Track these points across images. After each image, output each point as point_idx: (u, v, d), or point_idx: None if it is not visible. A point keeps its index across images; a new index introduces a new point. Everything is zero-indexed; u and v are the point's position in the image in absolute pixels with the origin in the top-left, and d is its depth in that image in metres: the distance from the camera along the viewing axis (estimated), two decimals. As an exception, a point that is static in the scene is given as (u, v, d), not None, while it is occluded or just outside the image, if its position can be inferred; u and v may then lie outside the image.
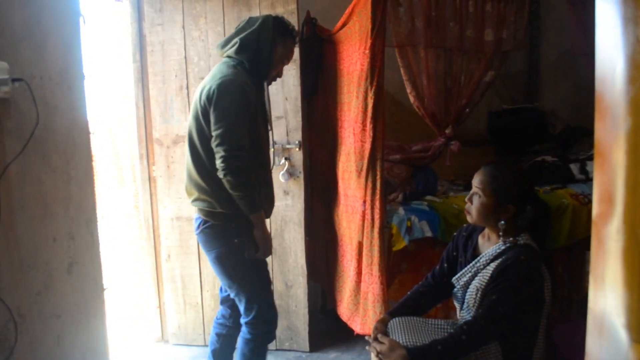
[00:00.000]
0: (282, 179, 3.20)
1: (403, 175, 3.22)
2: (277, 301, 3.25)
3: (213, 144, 2.31)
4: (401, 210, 3.02)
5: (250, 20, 2.47)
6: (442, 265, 2.20)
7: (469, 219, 2.06)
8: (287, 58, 2.56)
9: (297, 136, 3.21)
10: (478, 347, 1.88)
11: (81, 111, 2.12)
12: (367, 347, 2.04)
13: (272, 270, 3.25)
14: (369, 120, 2.72)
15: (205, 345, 3.40)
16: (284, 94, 3.17)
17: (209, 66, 3.17)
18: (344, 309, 3.11)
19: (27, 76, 1.72)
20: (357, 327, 2.98)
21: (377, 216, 2.72)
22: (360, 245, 2.87)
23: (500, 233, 1.98)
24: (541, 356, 1.95)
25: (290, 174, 3.23)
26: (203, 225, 2.43)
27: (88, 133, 2.18)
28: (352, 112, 2.88)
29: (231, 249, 2.41)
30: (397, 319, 2.10)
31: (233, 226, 2.40)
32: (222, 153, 2.26)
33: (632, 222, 1.04)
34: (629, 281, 1.04)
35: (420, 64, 3.18)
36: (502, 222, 1.96)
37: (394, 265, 3.00)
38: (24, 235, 1.75)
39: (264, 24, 2.43)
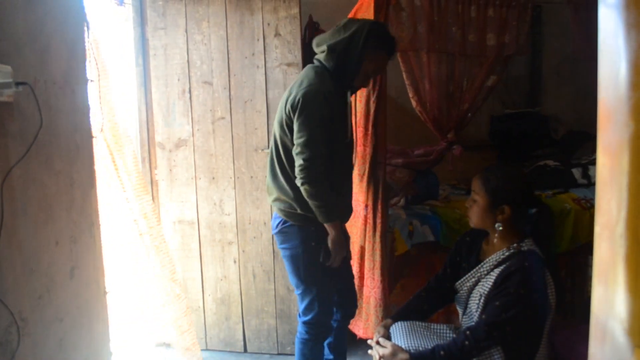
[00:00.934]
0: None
1: (405, 180, 3.22)
2: (279, 305, 3.25)
3: (294, 151, 2.32)
4: (403, 215, 3.01)
5: (347, 24, 2.39)
6: (445, 270, 2.20)
7: (470, 223, 2.07)
8: (375, 72, 2.48)
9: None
10: (480, 353, 1.88)
11: (84, 115, 2.12)
12: (369, 352, 2.04)
13: (275, 274, 3.25)
14: (371, 124, 2.72)
15: (207, 349, 3.40)
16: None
17: (212, 70, 3.18)
18: (346, 313, 3.10)
19: (30, 80, 1.73)
20: (360, 331, 2.98)
21: (379, 220, 2.72)
22: (362, 249, 2.87)
23: (496, 235, 1.97)
24: (544, 361, 1.95)
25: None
26: (282, 224, 2.47)
27: (91, 137, 2.19)
28: (354, 116, 2.88)
29: (306, 250, 2.44)
30: (399, 323, 2.09)
31: (313, 229, 2.41)
32: (301, 162, 2.27)
33: (635, 227, 1.03)
34: (632, 286, 1.04)
35: (423, 68, 3.19)
36: (499, 224, 1.96)
37: (396, 269, 3.00)
38: (27, 239, 1.76)
39: (356, 32, 2.34)
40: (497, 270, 1.92)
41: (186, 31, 3.20)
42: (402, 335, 2.02)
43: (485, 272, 1.97)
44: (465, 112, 3.27)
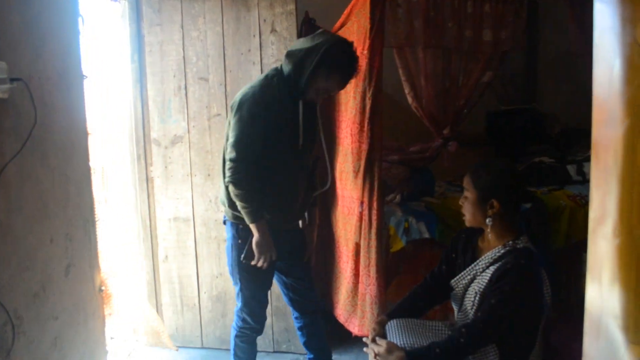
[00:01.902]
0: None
1: (401, 176, 3.22)
2: (275, 303, 3.24)
3: (225, 152, 2.41)
4: (399, 212, 3.01)
5: (317, 36, 2.34)
6: (441, 267, 2.20)
7: (466, 222, 2.07)
8: (326, 91, 2.42)
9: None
10: (476, 351, 1.88)
11: (79, 111, 2.12)
12: (364, 349, 2.04)
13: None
14: (366, 120, 2.71)
15: (203, 347, 3.39)
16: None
17: (207, 66, 3.17)
18: (341, 311, 3.10)
19: (25, 76, 1.72)
20: (355, 328, 2.98)
21: (374, 217, 2.72)
22: (357, 246, 2.87)
23: (488, 230, 1.98)
24: (538, 358, 1.95)
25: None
26: (224, 218, 2.61)
27: (86, 133, 2.19)
28: (350, 112, 2.87)
29: (234, 246, 2.55)
30: (394, 320, 2.09)
31: (241, 227, 2.50)
32: (229, 162, 2.35)
33: (628, 223, 1.03)
34: (626, 283, 1.04)
35: (419, 64, 3.19)
36: (489, 219, 1.96)
37: (392, 266, 3.00)
38: (22, 236, 1.75)
39: (316, 47, 2.28)
40: (492, 268, 1.92)
41: (182, 27, 3.18)
42: (397, 332, 2.02)
43: (481, 270, 1.97)
44: (461, 108, 3.26)
